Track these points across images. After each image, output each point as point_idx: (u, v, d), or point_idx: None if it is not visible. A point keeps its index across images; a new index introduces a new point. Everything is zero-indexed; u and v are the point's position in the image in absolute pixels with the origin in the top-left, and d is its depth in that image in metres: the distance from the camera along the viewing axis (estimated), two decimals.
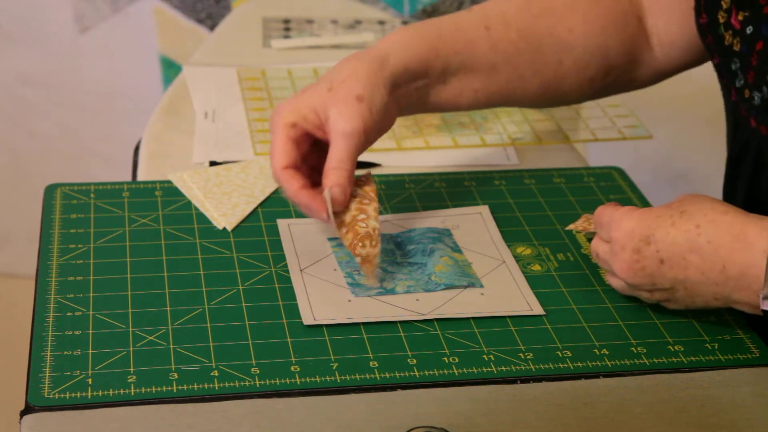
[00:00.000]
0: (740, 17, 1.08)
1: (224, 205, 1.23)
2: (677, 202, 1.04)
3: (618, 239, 1.04)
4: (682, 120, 1.97)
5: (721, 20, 1.10)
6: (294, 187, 1.09)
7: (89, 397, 0.96)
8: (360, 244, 1.08)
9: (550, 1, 1.22)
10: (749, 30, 1.08)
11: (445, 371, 1.01)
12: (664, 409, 0.98)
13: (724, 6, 1.10)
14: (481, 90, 1.20)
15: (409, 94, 1.17)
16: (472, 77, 1.19)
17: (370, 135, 1.12)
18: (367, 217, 1.10)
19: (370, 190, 1.12)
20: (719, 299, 1.02)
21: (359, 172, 1.13)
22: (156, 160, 1.34)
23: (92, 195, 1.24)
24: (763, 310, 0.99)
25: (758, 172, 1.13)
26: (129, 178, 1.37)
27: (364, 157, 1.34)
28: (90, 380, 0.98)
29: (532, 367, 1.02)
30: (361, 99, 1.10)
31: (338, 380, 0.99)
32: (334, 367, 1.00)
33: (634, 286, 1.06)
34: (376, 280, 1.10)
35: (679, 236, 1.01)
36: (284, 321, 1.06)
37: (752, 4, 1.07)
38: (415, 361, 1.02)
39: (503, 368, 1.01)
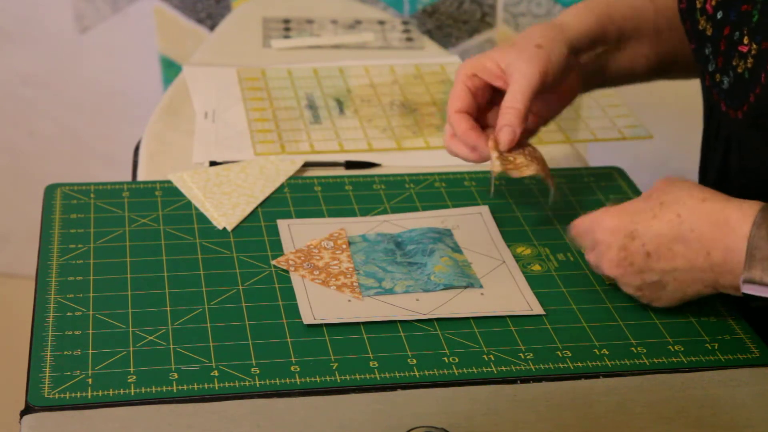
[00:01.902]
0: (713, 2, 1.10)
1: (224, 205, 1.23)
2: (655, 192, 1.05)
3: (602, 240, 1.05)
4: (682, 120, 1.97)
5: (698, 5, 1.13)
6: (463, 127, 1.15)
7: (89, 397, 0.96)
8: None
9: None
10: (719, 15, 1.10)
11: (445, 371, 1.01)
12: (664, 409, 0.98)
13: None
14: (651, 55, 1.25)
15: (589, 61, 1.22)
16: (642, 42, 1.24)
17: (547, 80, 1.16)
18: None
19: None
20: (708, 286, 1.03)
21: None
22: (156, 160, 1.34)
23: (92, 195, 1.24)
24: (744, 294, 1.00)
25: (728, 154, 1.14)
26: (129, 178, 1.37)
27: (364, 157, 1.34)
28: (90, 380, 0.98)
29: (532, 367, 1.02)
30: (540, 46, 1.15)
31: (338, 380, 0.99)
32: (334, 367, 1.00)
33: (624, 283, 1.06)
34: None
35: (662, 227, 1.02)
36: (284, 321, 1.06)
37: None
38: (415, 361, 1.02)
39: (503, 368, 1.01)
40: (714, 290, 1.03)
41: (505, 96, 1.15)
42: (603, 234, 1.05)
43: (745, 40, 1.06)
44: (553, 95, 1.21)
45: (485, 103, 1.19)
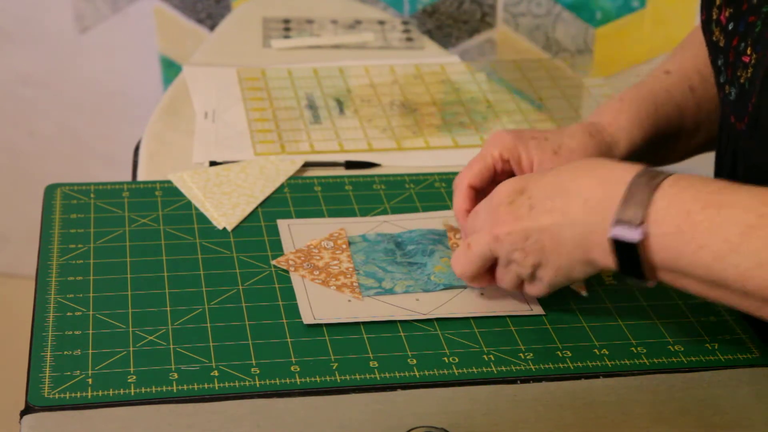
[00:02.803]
0: (726, 13, 1.09)
1: (224, 205, 1.23)
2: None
3: (494, 201, 1.03)
4: None
5: (714, 16, 1.12)
6: (464, 207, 1.12)
7: (89, 397, 0.96)
8: None
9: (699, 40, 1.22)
10: (731, 26, 1.09)
11: (445, 371, 1.01)
12: (664, 409, 0.98)
13: (717, 2, 1.11)
14: (688, 149, 1.24)
15: None
16: (679, 140, 1.22)
17: None
18: None
19: None
20: (579, 246, 0.98)
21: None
22: (156, 160, 1.34)
23: (92, 195, 1.24)
24: (614, 244, 0.95)
25: (735, 167, 1.13)
26: (129, 178, 1.37)
27: (364, 157, 1.34)
28: (90, 380, 0.98)
29: (532, 367, 1.02)
30: None
31: (338, 380, 0.99)
32: (334, 367, 1.00)
33: (512, 249, 1.01)
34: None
35: (549, 181, 1.01)
36: (284, 321, 1.06)
37: (736, 0, 1.08)
38: (415, 361, 1.02)
39: (503, 368, 1.01)
40: (586, 257, 0.98)
41: None
42: (496, 196, 1.03)
43: (748, 51, 1.05)
44: None
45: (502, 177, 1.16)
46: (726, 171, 1.15)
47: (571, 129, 1.17)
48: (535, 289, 1.04)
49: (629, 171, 0.96)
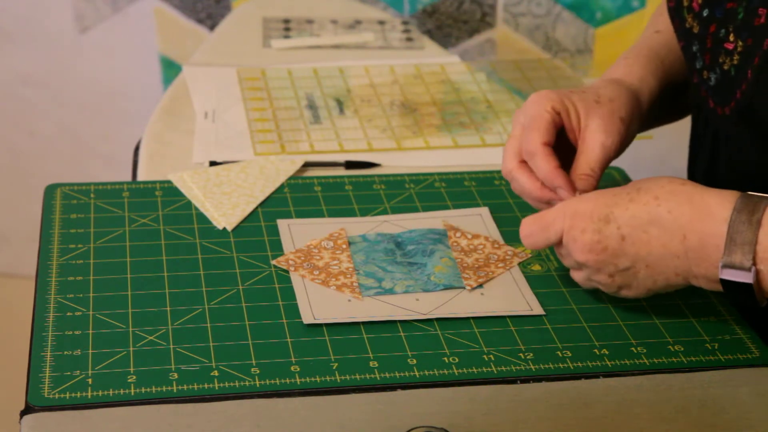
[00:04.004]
0: (699, 0, 1.10)
1: (224, 205, 1.23)
2: (632, 183, 1.04)
3: (575, 225, 1.03)
4: (682, 120, 1.97)
5: (685, 3, 1.13)
6: (551, 165, 1.10)
7: (89, 397, 0.96)
8: None
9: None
10: (705, 12, 1.10)
11: (445, 371, 1.01)
12: (664, 409, 0.98)
13: None
14: (684, 101, 1.24)
15: (649, 119, 1.21)
16: (680, 90, 1.23)
17: (619, 155, 1.16)
18: None
19: None
20: (680, 274, 1.00)
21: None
22: (156, 160, 1.34)
23: (92, 195, 1.24)
24: (723, 281, 0.97)
25: (716, 151, 1.14)
26: (129, 178, 1.37)
27: (364, 157, 1.34)
28: (90, 380, 0.98)
29: (532, 367, 1.02)
30: (623, 121, 1.14)
31: (338, 380, 0.99)
32: (334, 367, 1.00)
33: (596, 270, 1.03)
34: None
35: (638, 210, 1.00)
36: (284, 321, 1.06)
37: None
38: (415, 361, 1.02)
39: (503, 368, 1.01)
40: (685, 281, 1.01)
41: (581, 159, 1.12)
42: (576, 219, 1.03)
43: (731, 38, 1.06)
44: None
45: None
46: (705, 154, 1.16)
47: (598, 83, 1.17)
48: (617, 295, 1.07)
49: (725, 200, 0.97)
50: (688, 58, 1.15)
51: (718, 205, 0.97)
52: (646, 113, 1.18)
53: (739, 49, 1.05)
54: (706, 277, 0.99)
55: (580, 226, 1.03)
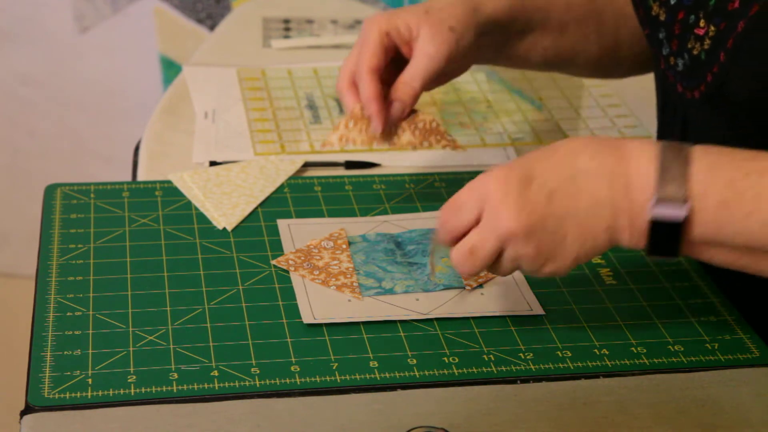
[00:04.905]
0: None
1: (224, 205, 1.23)
2: (543, 147, 0.98)
3: (494, 193, 0.94)
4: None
5: None
6: (369, 90, 1.13)
7: (89, 397, 0.96)
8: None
9: None
10: (673, 0, 1.11)
11: (445, 371, 1.01)
12: (664, 409, 0.98)
13: None
14: (549, 48, 1.23)
15: (489, 44, 1.20)
16: (544, 35, 1.23)
17: (448, 67, 1.15)
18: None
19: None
20: (608, 228, 0.93)
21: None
22: (156, 160, 1.34)
23: (92, 195, 1.24)
24: (651, 225, 0.91)
25: (685, 136, 1.14)
26: (129, 178, 1.37)
27: (364, 157, 1.34)
28: (90, 380, 0.98)
29: (532, 367, 1.02)
30: (452, 30, 1.14)
31: (338, 380, 0.99)
32: (334, 367, 1.00)
33: (525, 241, 0.93)
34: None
35: (560, 163, 0.93)
36: (284, 321, 1.06)
37: None
38: (415, 361, 1.02)
39: (503, 368, 1.01)
40: (611, 239, 0.94)
41: (405, 69, 1.14)
42: (492, 187, 0.94)
43: (702, 24, 1.07)
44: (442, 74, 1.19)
45: (387, 63, 1.16)
46: (674, 136, 1.16)
47: None
48: (539, 274, 0.97)
49: (649, 144, 0.92)
50: (654, 45, 1.15)
51: (638, 149, 0.92)
52: (488, 28, 1.17)
53: (710, 33, 1.06)
54: (631, 226, 0.92)
55: (501, 191, 0.93)
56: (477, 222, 0.96)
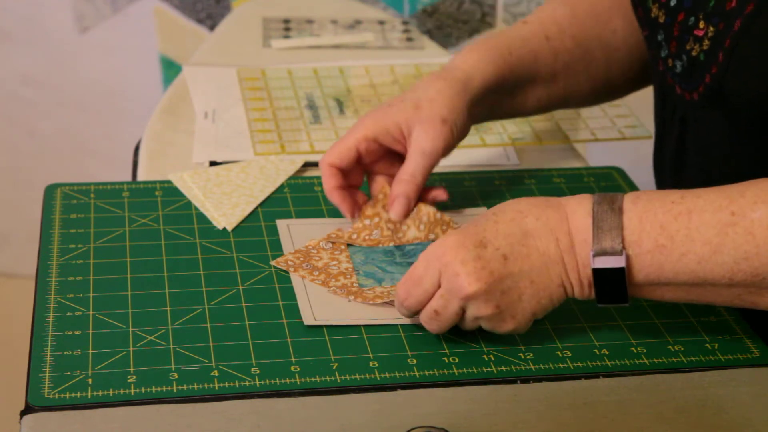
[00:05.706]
0: None
1: (224, 205, 1.23)
2: (486, 211, 1.03)
3: (451, 260, 0.98)
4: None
5: None
6: (330, 184, 1.17)
7: (89, 397, 0.96)
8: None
9: (592, 5, 1.26)
10: (673, 2, 1.12)
11: (445, 371, 1.01)
12: (664, 409, 0.98)
13: None
14: (543, 98, 1.26)
15: (483, 109, 1.22)
16: (535, 87, 1.25)
17: (447, 154, 1.19)
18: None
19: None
20: (561, 284, 0.99)
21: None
22: (156, 160, 1.34)
23: (92, 195, 1.24)
24: (595, 273, 0.97)
25: (683, 137, 1.15)
26: (129, 178, 1.37)
27: None
28: (90, 380, 0.98)
29: (532, 367, 1.02)
30: (445, 122, 1.16)
31: (338, 380, 0.99)
32: (334, 367, 1.00)
33: (485, 301, 0.98)
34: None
35: (508, 227, 0.99)
36: (284, 321, 1.06)
37: None
38: (415, 361, 1.02)
39: (503, 368, 1.01)
40: (565, 292, 1.00)
41: (403, 167, 1.17)
42: (449, 255, 0.98)
43: (701, 25, 1.08)
44: None
45: (380, 157, 1.19)
46: (673, 139, 1.17)
47: (423, 80, 1.19)
48: (500, 330, 1.02)
49: (581, 199, 0.99)
50: (653, 46, 1.16)
51: (576, 204, 0.99)
52: (479, 99, 1.19)
53: (709, 34, 1.07)
54: (580, 279, 0.99)
55: (458, 258, 0.98)
56: (437, 288, 1.00)
